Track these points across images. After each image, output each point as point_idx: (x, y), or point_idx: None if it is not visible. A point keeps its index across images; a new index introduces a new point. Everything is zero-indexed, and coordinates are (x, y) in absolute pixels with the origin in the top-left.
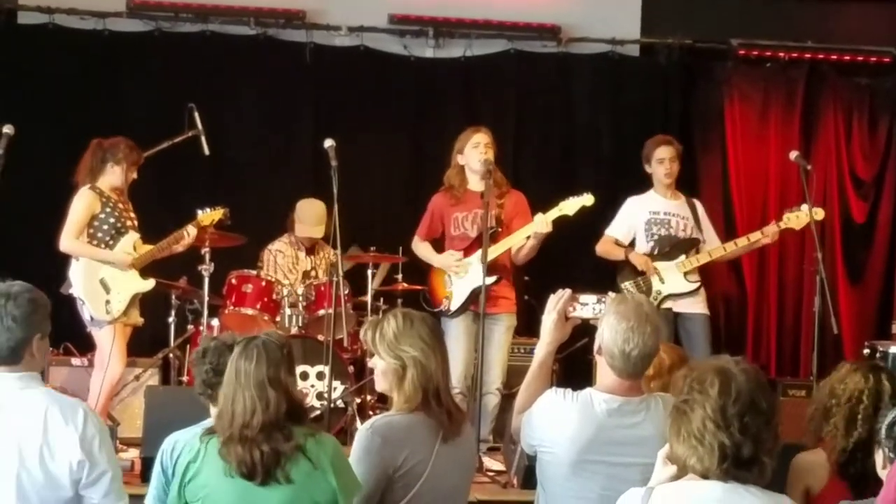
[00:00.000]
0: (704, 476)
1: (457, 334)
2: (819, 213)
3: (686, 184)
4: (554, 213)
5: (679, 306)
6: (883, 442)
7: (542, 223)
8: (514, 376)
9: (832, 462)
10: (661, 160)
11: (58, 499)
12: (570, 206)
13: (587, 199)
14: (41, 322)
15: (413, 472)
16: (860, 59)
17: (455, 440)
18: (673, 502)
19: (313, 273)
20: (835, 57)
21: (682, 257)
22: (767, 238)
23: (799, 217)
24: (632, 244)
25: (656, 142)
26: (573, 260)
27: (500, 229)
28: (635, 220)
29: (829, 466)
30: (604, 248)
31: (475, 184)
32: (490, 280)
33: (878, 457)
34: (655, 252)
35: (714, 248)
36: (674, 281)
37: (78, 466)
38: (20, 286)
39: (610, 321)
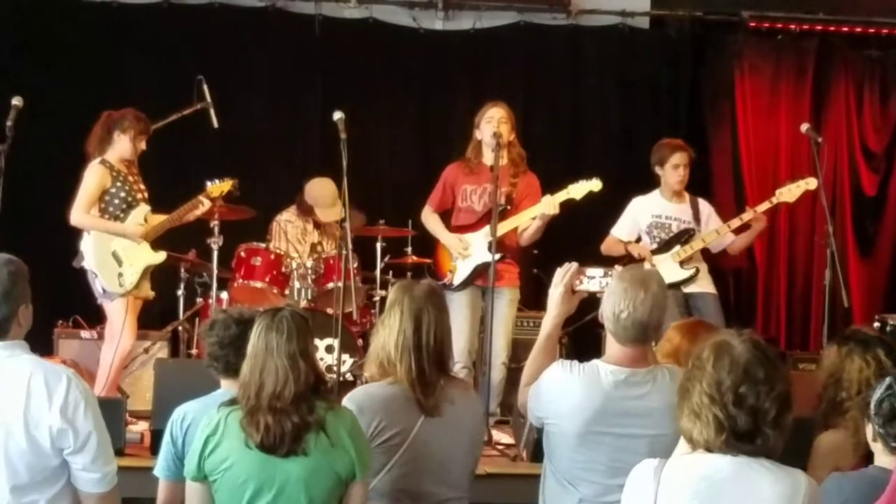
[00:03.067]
0: (708, 449)
1: (459, 308)
2: (812, 183)
3: (696, 158)
4: (561, 195)
5: (687, 287)
6: (872, 417)
7: (549, 205)
8: (522, 350)
9: (859, 450)
10: (677, 166)
11: (45, 467)
12: (579, 190)
13: (595, 185)
14: (23, 292)
15: (390, 442)
16: (871, 31)
17: (446, 413)
18: (684, 474)
19: (320, 247)
20: (846, 29)
21: (678, 247)
22: (760, 221)
23: (791, 190)
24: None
25: (672, 147)
26: (582, 236)
27: (508, 207)
28: (638, 221)
29: (855, 448)
30: (607, 246)
31: (489, 157)
32: (496, 257)
33: (868, 429)
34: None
35: (707, 233)
36: (668, 270)
37: (59, 434)
38: None
39: (610, 286)
